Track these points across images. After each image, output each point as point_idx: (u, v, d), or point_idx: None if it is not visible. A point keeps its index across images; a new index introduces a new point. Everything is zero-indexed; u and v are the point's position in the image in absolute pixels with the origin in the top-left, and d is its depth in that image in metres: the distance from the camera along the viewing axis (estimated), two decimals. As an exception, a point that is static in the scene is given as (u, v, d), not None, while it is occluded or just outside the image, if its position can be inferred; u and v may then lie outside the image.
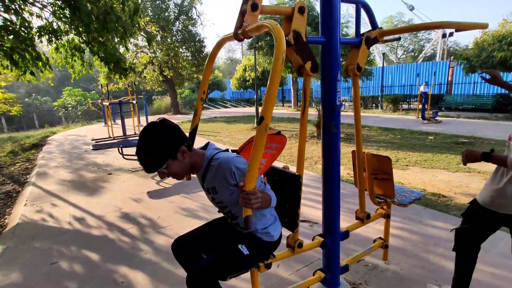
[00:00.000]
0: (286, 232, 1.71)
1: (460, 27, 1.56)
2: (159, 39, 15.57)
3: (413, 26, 1.73)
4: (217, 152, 1.42)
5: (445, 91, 18.49)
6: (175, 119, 17.20)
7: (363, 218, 2.02)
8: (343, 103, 16.95)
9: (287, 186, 1.62)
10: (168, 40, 15.02)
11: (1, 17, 4.44)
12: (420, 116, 11.63)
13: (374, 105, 18.82)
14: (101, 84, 10.30)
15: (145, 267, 2.44)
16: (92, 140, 8.72)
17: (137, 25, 6.41)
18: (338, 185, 1.77)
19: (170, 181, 4.73)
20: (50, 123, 19.13)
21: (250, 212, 1.11)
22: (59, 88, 29.19)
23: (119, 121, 10.37)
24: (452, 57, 16.34)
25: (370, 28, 1.78)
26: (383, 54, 22.09)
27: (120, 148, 4.92)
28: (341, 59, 1.62)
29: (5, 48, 4.26)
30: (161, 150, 1.27)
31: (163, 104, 23.19)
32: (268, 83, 1.07)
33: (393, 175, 2.01)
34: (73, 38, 6.01)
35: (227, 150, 1.49)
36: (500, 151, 1.64)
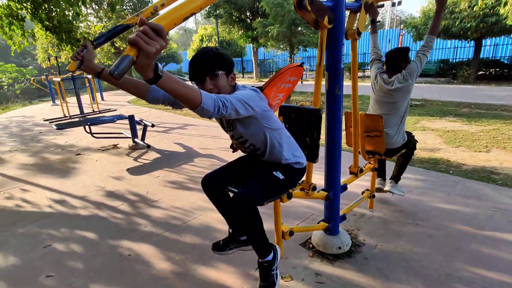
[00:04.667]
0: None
1: None
2: (106, 6, 14.02)
3: None
4: (240, 86, 1.45)
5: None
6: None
7: (357, 172, 2.24)
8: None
9: (306, 121, 1.75)
10: (118, 7, 13.55)
11: None
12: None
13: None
14: (48, 57, 9.15)
15: (148, 239, 2.46)
16: (44, 121, 7.94)
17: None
18: (340, 142, 1.94)
19: (149, 157, 4.61)
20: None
21: (132, 51, 0.79)
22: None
23: (68, 99, 9.52)
24: (402, 25, 17.31)
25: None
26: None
27: (88, 126, 4.59)
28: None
29: None
30: (224, 59, 1.38)
31: (115, 79, 21.44)
32: None
33: (384, 131, 2.24)
34: (7, 4, 5.22)
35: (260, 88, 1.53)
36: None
